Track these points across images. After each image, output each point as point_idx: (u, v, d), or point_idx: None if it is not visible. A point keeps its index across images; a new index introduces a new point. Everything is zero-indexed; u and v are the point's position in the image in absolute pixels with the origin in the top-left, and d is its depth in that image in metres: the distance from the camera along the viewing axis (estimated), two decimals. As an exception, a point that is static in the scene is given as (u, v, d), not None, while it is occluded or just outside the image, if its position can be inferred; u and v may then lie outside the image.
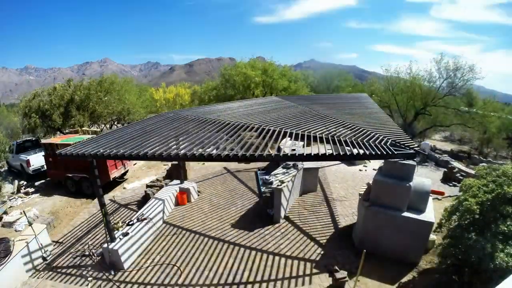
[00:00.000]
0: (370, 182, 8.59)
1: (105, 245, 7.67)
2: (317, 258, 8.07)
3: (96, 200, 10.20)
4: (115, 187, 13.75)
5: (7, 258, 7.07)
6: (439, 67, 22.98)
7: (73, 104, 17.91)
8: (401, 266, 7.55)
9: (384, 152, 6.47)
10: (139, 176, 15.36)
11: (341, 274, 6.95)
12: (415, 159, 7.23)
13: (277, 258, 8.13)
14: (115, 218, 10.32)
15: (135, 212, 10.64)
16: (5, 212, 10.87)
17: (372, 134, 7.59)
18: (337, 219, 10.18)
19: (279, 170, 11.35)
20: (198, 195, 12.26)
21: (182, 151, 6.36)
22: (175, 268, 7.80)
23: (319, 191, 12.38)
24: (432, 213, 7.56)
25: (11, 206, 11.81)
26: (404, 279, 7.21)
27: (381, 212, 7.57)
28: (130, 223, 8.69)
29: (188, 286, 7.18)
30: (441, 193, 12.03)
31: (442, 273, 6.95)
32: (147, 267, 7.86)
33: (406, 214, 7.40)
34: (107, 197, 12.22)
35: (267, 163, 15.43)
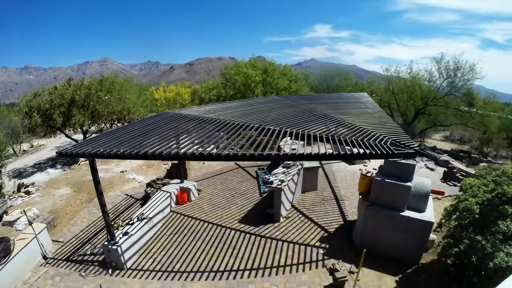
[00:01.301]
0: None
1: (105, 244, 7.68)
2: (317, 258, 8.08)
3: (96, 199, 10.21)
4: (115, 186, 13.75)
5: (7, 257, 7.08)
6: (439, 66, 22.99)
7: (74, 103, 17.91)
8: (401, 266, 7.56)
9: (384, 152, 6.48)
10: (139, 175, 15.35)
11: (341, 273, 6.97)
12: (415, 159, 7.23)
13: (277, 257, 8.15)
14: (115, 217, 10.34)
15: (135, 211, 10.64)
16: (5, 212, 10.87)
17: (372, 133, 7.59)
18: (337, 218, 10.19)
19: (279, 169, 11.35)
20: (198, 194, 12.26)
21: (182, 150, 6.37)
22: (174, 266, 7.82)
23: (319, 190, 12.38)
24: (432, 213, 7.56)
25: (11, 206, 11.81)
26: (404, 278, 7.23)
27: (381, 212, 7.57)
28: (130, 222, 8.70)
29: (188, 283, 7.21)
30: (441, 193, 12.00)
31: (442, 272, 6.96)
32: (146, 265, 7.88)
33: (406, 213, 7.40)
34: (112, 195, 12.27)
35: (268, 162, 15.44)
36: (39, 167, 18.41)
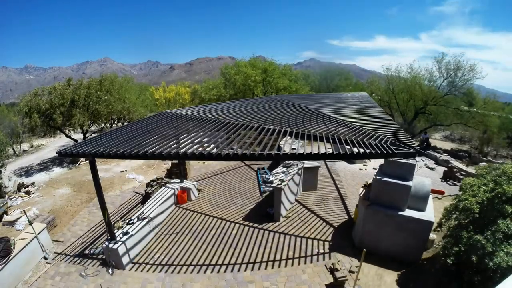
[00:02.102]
0: (370, 181, 8.60)
1: (105, 244, 7.68)
2: (317, 257, 8.08)
3: (96, 199, 10.20)
4: (115, 186, 13.76)
5: (8, 257, 7.08)
6: (440, 66, 23.00)
7: (73, 103, 17.90)
8: (401, 265, 7.56)
9: (384, 151, 6.48)
10: (139, 175, 15.34)
11: (341, 273, 6.99)
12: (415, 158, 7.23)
13: (277, 256, 8.15)
14: (116, 217, 10.34)
15: (135, 211, 10.65)
16: (5, 212, 10.86)
17: (372, 133, 7.60)
18: (337, 218, 10.20)
19: (279, 169, 11.35)
20: (198, 194, 12.26)
21: (182, 150, 6.37)
22: (174, 266, 7.82)
23: (319, 190, 12.38)
24: (432, 212, 7.56)
25: (11, 206, 11.81)
26: (404, 277, 7.23)
27: (381, 211, 7.57)
28: (130, 222, 8.70)
29: (188, 283, 7.21)
30: (441, 192, 12.02)
31: (442, 272, 6.96)
32: (146, 265, 7.89)
33: (406, 213, 7.40)
34: (112, 195, 12.25)
35: (269, 162, 15.45)
36: (46, 165, 18.51)
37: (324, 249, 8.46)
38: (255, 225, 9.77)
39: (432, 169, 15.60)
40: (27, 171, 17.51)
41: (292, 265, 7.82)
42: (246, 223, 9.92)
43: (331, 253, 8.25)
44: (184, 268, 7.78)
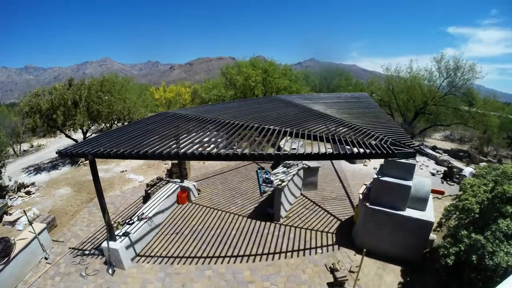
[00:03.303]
0: (370, 181, 8.61)
1: (105, 244, 7.68)
2: (317, 257, 8.08)
3: (96, 199, 10.20)
4: (116, 186, 13.76)
5: (8, 257, 7.09)
6: (440, 66, 23.01)
7: (75, 104, 17.93)
8: (401, 265, 7.57)
9: (384, 152, 6.49)
10: (139, 175, 15.35)
11: (341, 273, 6.99)
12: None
13: (277, 257, 8.16)
14: (115, 218, 10.34)
15: (135, 211, 10.64)
16: (6, 212, 10.87)
17: (373, 133, 7.60)
18: (336, 218, 10.20)
19: (280, 169, 11.35)
20: (198, 194, 12.26)
21: (182, 150, 6.37)
22: (175, 267, 7.83)
23: (319, 190, 12.38)
24: (432, 212, 7.57)
25: (11, 206, 11.82)
26: (404, 277, 7.24)
27: (381, 211, 7.57)
28: (131, 222, 8.70)
29: (188, 283, 7.21)
30: (441, 192, 12.03)
31: (442, 271, 6.96)
32: (146, 265, 7.89)
33: (406, 213, 7.41)
34: (112, 195, 12.25)
35: (271, 162, 15.48)
36: (46, 165, 18.57)
37: (324, 249, 8.46)
38: (255, 226, 9.77)
39: (433, 174, 14.75)
40: (27, 171, 17.51)
41: (292, 266, 7.82)
42: (246, 223, 9.93)
43: (332, 251, 8.25)
44: (184, 268, 7.79)
